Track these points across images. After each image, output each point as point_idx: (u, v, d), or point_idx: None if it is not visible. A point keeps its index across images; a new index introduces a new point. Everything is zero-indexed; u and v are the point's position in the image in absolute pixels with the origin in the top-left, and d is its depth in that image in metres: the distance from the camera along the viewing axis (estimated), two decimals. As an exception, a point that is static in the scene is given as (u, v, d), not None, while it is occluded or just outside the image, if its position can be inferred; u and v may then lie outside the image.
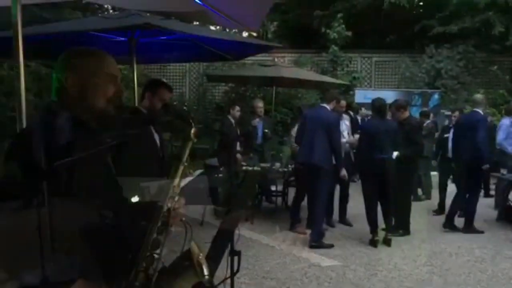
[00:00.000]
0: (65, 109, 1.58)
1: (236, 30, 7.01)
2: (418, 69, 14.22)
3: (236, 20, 3.93)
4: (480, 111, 6.45)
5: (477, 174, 6.47)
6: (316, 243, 5.66)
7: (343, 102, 6.59)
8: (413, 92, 12.80)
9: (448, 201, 7.07)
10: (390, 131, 5.81)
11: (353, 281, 4.64)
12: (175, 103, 14.29)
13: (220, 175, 3.16)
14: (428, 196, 9.01)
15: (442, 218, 6.85)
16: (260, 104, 7.77)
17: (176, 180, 1.63)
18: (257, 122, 7.66)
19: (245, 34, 9.66)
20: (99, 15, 6.80)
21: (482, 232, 6.46)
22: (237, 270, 2.55)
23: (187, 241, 2.61)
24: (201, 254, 1.67)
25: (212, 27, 8.46)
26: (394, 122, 6.10)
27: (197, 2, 3.50)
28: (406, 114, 6.36)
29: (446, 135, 7.96)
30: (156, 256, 1.59)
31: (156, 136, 3.47)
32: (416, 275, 4.84)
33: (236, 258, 2.56)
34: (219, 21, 4.09)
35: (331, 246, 5.68)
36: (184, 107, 14.34)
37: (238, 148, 7.63)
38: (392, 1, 14.64)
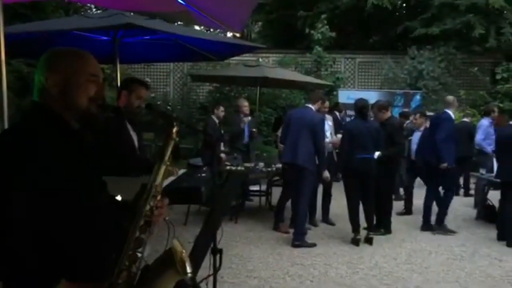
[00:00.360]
0: (47, 110, 1.59)
1: (220, 31, 7.02)
2: (401, 70, 14.40)
3: (220, 21, 3.96)
4: (450, 112, 6.54)
5: (443, 174, 6.44)
6: (299, 242, 5.71)
7: (327, 103, 6.66)
8: (396, 92, 12.96)
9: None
10: (372, 131, 5.89)
11: (335, 279, 4.71)
12: (159, 102, 14.26)
13: (203, 174, 3.19)
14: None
15: (421, 218, 6.93)
16: (245, 103, 7.83)
17: (158, 179, 1.64)
18: (247, 120, 7.72)
19: (229, 34, 9.71)
20: (82, 14, 6.75)
21: (454, 232, 6.50)
22: (219, 268, 2.57)
23: (170, 240, 2.64)
24: (183, 251, 1.69)
25: (197, 27, 8.48)
26: (376, 123, 6.19)
27: (181, 3, 3.53)
28: (388, 114, 6.46)
29: (410, 138, 8.09)
30: (139, 254, 1.61)
31: (133, 134, 3.44)
32: (396, 273, 4.92)
33: (218, 256, 2.57)
34: (202, 21, 4.11)
35: (313, 245, 5.75)
36: (168, 107, 14.32)
37: (222, 148, 7.69)
38: (375, 3, 14.79)
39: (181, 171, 3.57)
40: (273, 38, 18.95)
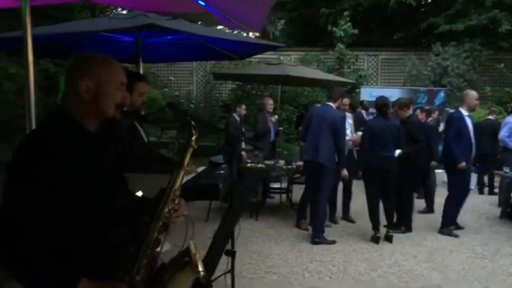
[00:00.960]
0: (66, 115, 1.64)
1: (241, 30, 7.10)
2: (424, 67, 14.26)
3: (239, 21, 4.03)
4: (462, 110, 6.35)
5: (455, 173, 6.23)
6: (318, 239, 5.76)
7: (346, 100, 6.66)
8: (419, 90, 12.82)
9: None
10: (393, 129, 5.88)
11: (353, 276, 4.74)
12: (182, 100, 14.46)
13: (222, 171, 3.26)
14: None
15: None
16: (270, 101, 7.93)
17: (177, 184, 1.73)
18: (274, 119, 7.81)
19: (251, 34, 9.77)
20: (107, 14, 6.90)
21: (457, 236, 6.24)
22: (232, 269, 2.66)
23: (189, 236, 2.75)
24: (197, 254, 1.78)
25: (219, 27, 8.57)
26: (396, 120, 6.17)
27: (200, 3, 3.61)
28: (409, 112, 6.43)
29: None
30: (158, 251, 1.70)
31: (142, 131, 3.47)
32: (415, 271, 4.92)
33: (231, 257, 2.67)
34: (222, 21, 4.19)
35: (333, 242, 5.78)
36: (191, 105, 14.50)
37: (243, 145, 7.78)
38: (398, -1, 14.66)
39: (201, 168, 3.65)
40: (295, 36, 18.96)
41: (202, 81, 15.67)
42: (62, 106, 1.66)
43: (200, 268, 1.73)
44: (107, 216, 1.65)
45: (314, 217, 5.96)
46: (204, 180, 3.23)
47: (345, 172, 6.07)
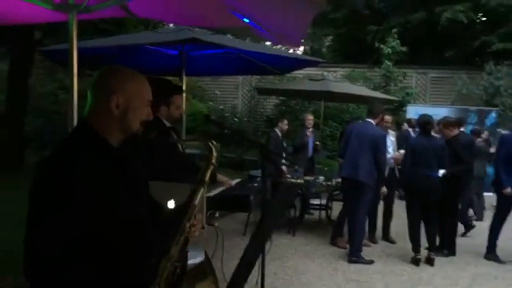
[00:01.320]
0: (91, 132, 1.63)
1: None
2: (476, 86, 13.80)
3: (278, 35, 4.07)
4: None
5: (499, 197, 6.03)
6: (356, 257, 5.64)
7: (388, 118, 6.54)
8: (469, 109, 12.41)
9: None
10: (436, 148, 5.71)
11: (389, 298, 4.61)
12: (227, 114, 14.64)
13: (256, 184, 3.28)
14: (480, 217, 8.71)
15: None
16: (310, 116, 7.97)
17: (196, 200, 1.78)
18: (310, 135, 7.81)
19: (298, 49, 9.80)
20: (154, 30, 7.11)
21: (503, 262, 5.94)
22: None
23: (219, 244, 2.78)
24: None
25: (267, 42, 8.66)
26: (440, 139, 5.99)
27: (241, 18, 3.67)
28: (455, 132, 6.23)
29: None
30: (177, 264, 1.74)
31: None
32: (456, 297, 4.73)
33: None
34: (262, 35, 4.23)
35: (371, 262, 5.64)
36: (235, 119, 14.64)
37: (283, 161, 7.78)
38: (449, 17, 14.31)
39: (235, 181, 3.69)
40: (343, 52, 18.88)
41: (247, 95, 15.83)
42: (87, 121, 1.65)
43: None
44: (132, 230, 1.67)
45: (352, 235, 5.84)
46: (237, 191, 3.24)
47: (384, 189, 5.93)
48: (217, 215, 6.80)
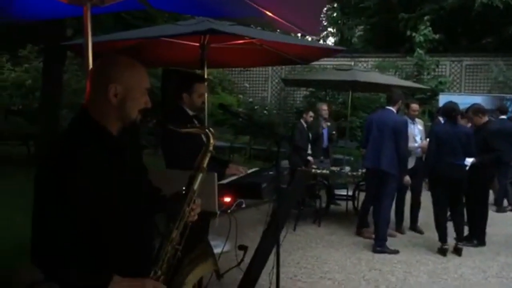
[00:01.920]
0: (91, 120, 1.67)
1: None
2: (513, 73, 13.33)
3: (296, 25, 4.05)
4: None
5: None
6: (380, 247, 5.58)
7: (415, 106, 6.41)
8: (505, 97, 12.01)
9: None
10: (461, 136, 5.55)
11: (412, 287, 4.54)
12: (256, 107, 14.68)
13: (271, 172, 3.29)
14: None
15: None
16: (324, 106, 7.97)
17: (196, 185, 1.83)
18: (325, 125, 7.79)
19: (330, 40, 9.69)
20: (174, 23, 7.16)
21: None
22: (241, 261, 2.85)
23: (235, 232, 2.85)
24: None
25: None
26: (466, 127, 5.84)
27: (258, 8, 3.68)
28: (485, 119, 6.07)
29: None
30: (178, 247, 1.79)
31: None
32: (482, 286, 4.62)
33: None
34: (280, 26, 4.23)
35: (396, 252, 5.58)
36: (265, 111, 14.66)
37: (309, 151, 7.77)
38: (484, 2, 13.84)
39: (252, 170, 3.72)
40: (374, 41, 18.57)
41: (277, 88, 15.82)
42: (87, 109, 1.69)
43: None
44: (134, 215, 1.73)
45: (377, 225, 5.78)
46: (251, 179, 3.27)
47: (407, 178, 5.81)
48: (243, 205, 6.90)
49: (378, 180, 5.75)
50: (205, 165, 1.87)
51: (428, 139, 6.45)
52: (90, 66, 3.09)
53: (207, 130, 1.91)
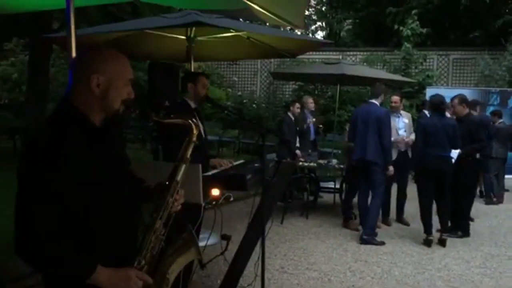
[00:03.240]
0: (74, 110, 1.67)
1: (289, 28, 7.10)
2: (499, 66, 13.44)
3: (281, 17, 4.06)
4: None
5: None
6: (368, 236, 5.64)
7: (394, 98, 6.45)
8: (491, 91, 12.12)
9: None
10: (448, 128, 5.62)
11: (397, 278, 4.60)
12: (245, 101, 14.69)
13: (256, 164, 3.31)
14: (500, 199, 8.58)
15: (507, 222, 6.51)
16: (310, 100, 8.01)
17: (179, 176, 1.85)
18: (310, 120, 7.84)
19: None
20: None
21: None
22: (225, 250, 2.85)
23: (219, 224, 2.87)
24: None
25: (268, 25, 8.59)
26: (452, 120, 5.90)
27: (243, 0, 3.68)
28: (466, 110, 6.15)
29: None
30: (162, 237, 1.81)
31: (201, 127, 3.76)
32: (465, 276, 4.69)
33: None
34: (265, 18, 4.23)
35: (382, 243, 5.63)
36: (254, 105, 14.67)
37: (297, 144, 7.79)
38: (471, -5, 13.94)
39: (238, 162, 3.74)
40: (362, 35, 18.63)
41: (265, 81, 15.83)
42: (70, 100, 1.69)
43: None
44: (116, 205, 1.73)
45: (366, 216, 5.83)
46: (236, 171, 3.29)
47: (391, 169, 5.83)
48: (231, 199, 6.91)
49: (365, 171, 5.81)
50: (188, 155, 1.88)
51: (411, 135, 6.50)
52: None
53: (189, 121, 1.91)
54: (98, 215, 1.66)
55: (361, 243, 5.63)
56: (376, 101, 5.83)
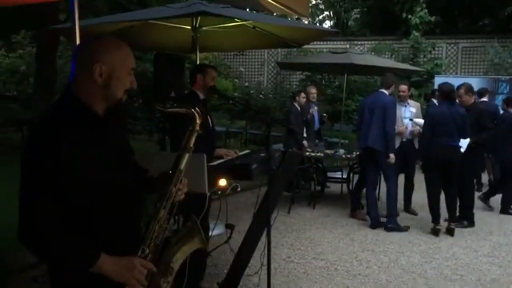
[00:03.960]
0: (76, 100, 1.66)
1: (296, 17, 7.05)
2: (509, 54, 13.29)
3: (286, 5, 4.04)
4: None
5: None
6: (392, 225, 5.70)
7: (402, 87, 6.39)
8: (500, 79, 11.99)
9: None
10: (456, 117, 5.55)
11: (404, 267, 4.59)
12: (252, 91, 14.65)
13: (262, 154, 3.30)
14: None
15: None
16: (313, 90, 7.97)
17: (182, 165, 1.83)
18: (312, 110, 7.81)
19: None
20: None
21: None
22: (228, 238, 2.89)
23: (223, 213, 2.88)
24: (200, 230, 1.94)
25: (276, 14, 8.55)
26: (462, 108, 5.83)
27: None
28: (473, 99, 6.11)
29: None
30: (165, 226, 1.80)
31: (209, 119, 3.82)
32: (473, 265, 4.67)
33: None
34: (269, 6, 4.21)
35: (407, 228, 5.73)
36: (261, 95, 14.63)
37: (304, 134, 7.78)
38: (480, -17, 13.75)
39: (243, 152, 3.74)
40: (370, 24, 18.45)
41: (273, 72, 15.77)
42: (73, 89, 1.68)
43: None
44: (120, 194, 1.72)
45: (370, 206, 5.82)
46: (239, 161, 3.29)
47: (392, 156, 5.75)
48: (239, 189, 6.92)
49: (372, 160, 5.80)
50: (191, 144, 1.87)
51: (417, 126, 6.42)
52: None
53: (192, 110, 1.90)
54: (101, 205, 1.65)
55: (386, 230, 5.65)
56: (385, 91, 5.80)
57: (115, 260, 1.62)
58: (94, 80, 1.65)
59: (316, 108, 7.92)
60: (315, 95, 7.95)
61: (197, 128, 1.88)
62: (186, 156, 1.86)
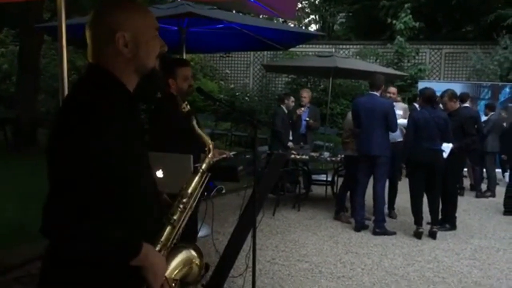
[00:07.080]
0: (107, 75, 1.44)
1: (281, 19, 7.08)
2: (491, 61, 13.50)
3: (272, 8, 4.05)
4: None
5: None
6: (380, 229, 5.73)
7: (391, 89, 6.47)
8: (482, 84, 12.19)
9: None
10: (439, 121, 5.64)
11: (387, 269, 4.63)
12: (237, 93, 14.66)
13: (248, 156, 3.30)
14: (492, 193, 8.62)
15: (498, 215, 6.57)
16: (304, 93, 7.97)
17: (190, 189, 1.66)
18: (299, 112, 7.81)
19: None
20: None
21: None
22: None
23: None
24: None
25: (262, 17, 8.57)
26: (444, 113, 5.93)
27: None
28: (457, 105, 6.21)
29: None
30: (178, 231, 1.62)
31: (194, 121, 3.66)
32: (455, 267, 4.73)
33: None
34: (256, 9, 4.22)
35: (393, 233, 5.76)
36: (247, 98, 14.65)
37: (290, 137, 7.80)
38: (464, -10, 13.96)
39: (232, 153, 3.74)
40: (356, 29, 18.61)
41: (258, 74, 15.79)
42: (100, 65, 1.44)
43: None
44: (150, 179, 1.57)
45: (377, 207, 5.87)
46: (225, 162, 3.29)
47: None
48: (223, 191, 6.92)
49: (367, 167, 5.84)
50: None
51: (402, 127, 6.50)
52: (64, 49, 3.06)
53: (210, 145, 1.78)
54: (136, 193, 1.46)
55: (374, 234, 5.69)
56: (376, 93, 5.85)
57: (157, 252, 1.47)
58: (119, 52, 1.42)
59: (302, 109, 7.91)
60: (306, 99, 7.90)
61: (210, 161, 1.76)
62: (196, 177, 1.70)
